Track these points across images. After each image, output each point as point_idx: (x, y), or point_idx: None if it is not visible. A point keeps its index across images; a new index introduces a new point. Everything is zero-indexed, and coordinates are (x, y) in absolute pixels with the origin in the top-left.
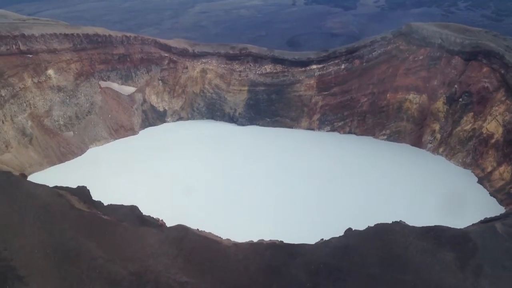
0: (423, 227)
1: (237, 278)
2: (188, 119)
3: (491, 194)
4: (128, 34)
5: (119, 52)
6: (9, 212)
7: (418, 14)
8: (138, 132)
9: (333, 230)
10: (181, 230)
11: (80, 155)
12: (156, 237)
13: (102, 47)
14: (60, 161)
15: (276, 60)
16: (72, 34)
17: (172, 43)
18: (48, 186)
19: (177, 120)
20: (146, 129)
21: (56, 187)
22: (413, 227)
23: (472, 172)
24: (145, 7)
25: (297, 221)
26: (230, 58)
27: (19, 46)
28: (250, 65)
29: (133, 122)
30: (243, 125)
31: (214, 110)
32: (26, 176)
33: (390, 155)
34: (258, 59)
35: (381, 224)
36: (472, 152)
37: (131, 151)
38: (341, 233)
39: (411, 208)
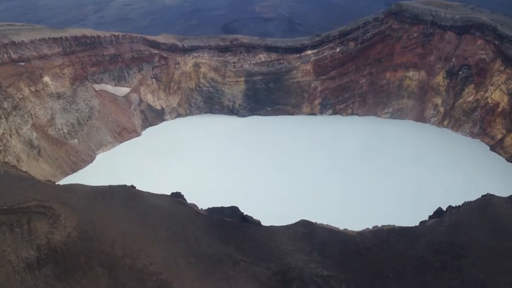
0: (510, 196)
1: (372, 266)
2: (186, 115)
3: (507, 160)
4: (116, 33)
5: (110, 52)
6: (141, 225)
7: None
8: (141, 133)
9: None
10: (307, 226)
11: (91, 162)
12: (285, 234)
13: (92, 49)
14: (73, 170)
15: (269, 49)
16: (61, 38)
17: (160, 39)
18: (166, 195)
19: (176, 117)
20: (147, 129)
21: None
22: (504, 197)
23: (481, 141)
24: (64, 3)
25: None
26: (222, 50)
27: (10, 54)
28: (244, 55)
29: (134, 123)
30: (244, 116)
31: (213, 104)
32: (134, 187)
33: (397, 132)
34: (250, 48)
35: (482, 198)
36: (479, 122)
37: (140, 153)
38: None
39: (441, 181)
